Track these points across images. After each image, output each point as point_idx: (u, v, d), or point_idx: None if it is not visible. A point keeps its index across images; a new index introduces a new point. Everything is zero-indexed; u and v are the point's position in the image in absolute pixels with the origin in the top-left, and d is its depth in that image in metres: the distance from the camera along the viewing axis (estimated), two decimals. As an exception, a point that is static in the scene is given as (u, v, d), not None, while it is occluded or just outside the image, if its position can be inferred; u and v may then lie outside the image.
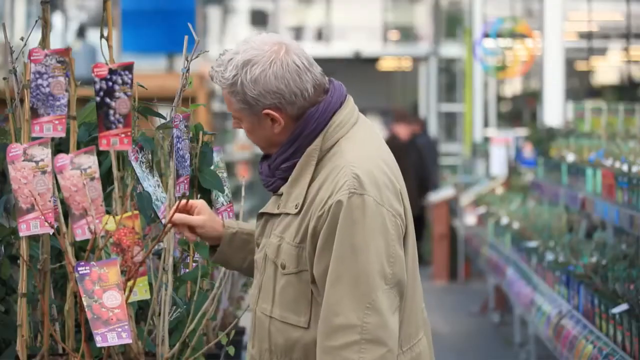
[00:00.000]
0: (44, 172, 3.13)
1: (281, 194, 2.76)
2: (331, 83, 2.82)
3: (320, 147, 2.72)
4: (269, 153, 2.81)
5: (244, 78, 2.70)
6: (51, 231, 3.14)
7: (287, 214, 2.72)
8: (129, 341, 2.85)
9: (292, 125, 2.74)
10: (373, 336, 2.56)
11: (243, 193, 3.73)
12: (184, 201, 2.88)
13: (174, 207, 2.89)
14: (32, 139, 3.17)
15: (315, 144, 2.72)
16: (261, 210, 2.83)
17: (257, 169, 2.90)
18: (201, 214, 2.90)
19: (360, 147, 2.72)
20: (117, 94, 3.16)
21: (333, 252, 2.61)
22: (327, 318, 2.60)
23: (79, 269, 2.85)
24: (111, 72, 3.16)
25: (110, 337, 2.81)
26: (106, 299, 2.84)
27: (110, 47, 3.22)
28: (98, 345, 2.82)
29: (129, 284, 2.96)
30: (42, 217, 3.10)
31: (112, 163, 3.22)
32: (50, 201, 3.13)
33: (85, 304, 2.82)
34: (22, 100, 3.18)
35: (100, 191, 3.20)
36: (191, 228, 2.89)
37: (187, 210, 2.90)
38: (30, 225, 3.13)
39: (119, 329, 2.81)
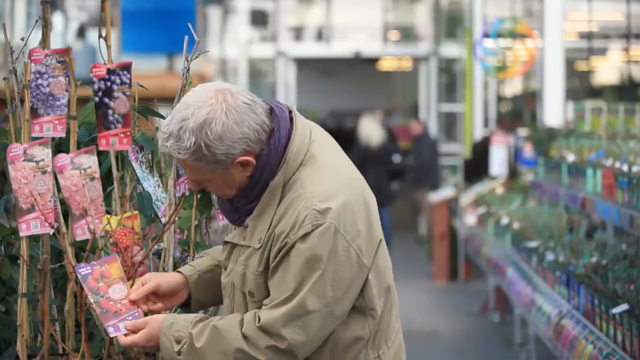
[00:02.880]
0: (44, 172, 3.13)
1: (247, 226, 2.78)
2: (272, 112, 2.76)
3: (283, 179, 2.73)
4: (230, 198, 2.79)
5: (207, 140, 2.65)
6: (51, 231, 3.14)
7: (250, 246, 2.76)
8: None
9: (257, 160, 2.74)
10: (291, 350, 2.69)
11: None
12: (135, 285, 2.89)
13: (127, 300, 2.88)
14: (32, 139, 3.17)
15: (277, 179, 2.72)
16: (227, 239, 2.86)
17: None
18: (151, 279, 2.91)
19: (322, 174, 2.73)
20: (115, 94, 3.16)
21: (284, 272, 2.68)
22: (265, 323, 2.68)
23: (80, 270, 2.86)
24: (110, 72, 3.16)
25: (122, 326, 2.81)
26: (112, 292, 2.84)
27: (108, 47, 3.22)
28: (111, 335, 2.82)
29: (129, 283, 2.96)
30: (42, 217, 3.10)
31: (111, 163, 3.21)
32: (50, 201, 3.13)
33: (92, 300, 2.82)
34: (22, 100, 3.18)
35: (100, 191, 3.20)
36: (154, 294, 2.90)
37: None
38: (30, 225, 3.13)
39: (130, 318, 2.82)
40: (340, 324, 2.73)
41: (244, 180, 2.74)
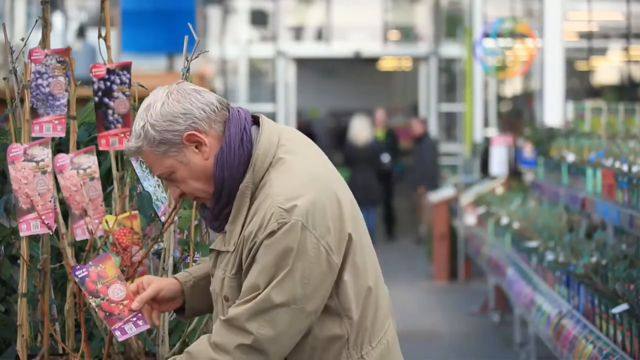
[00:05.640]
0: (44, 172, 3.13)
1: (226, 232, 2.80)
2: (229, 111, 2.79)
3: (252, 182, 2.74)
4: (209, 203, 2.80)
5: (150, 119, 2.71)
6: (52, 230, 3.14)
7: (228, 251, 2.77)
8: (147, 327, 2.84)
9: (218, 146, 2.74)
10: (260, 346, 2.67)
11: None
12: (133, 287, 2.88)
13: (129, 299, 2.87)
14: (32, 139, 3.17)
15: (246, 181, 2.73)
16: (211, 247, 2.87)
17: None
18: (151, 282, 2.91)
19: (289, 174, 2.73)
20: (115, 93, 3.16)
21: (253, 272, 2.68)
22: (229, 317, 2.68)
23: (77, 273, 2.85)
24: (109, 72, 3.16)
25: (128, 328, 2.81)
26: (112, 293, 2.84)
27: (108, 47, 3.22)
28: (119, 339, 2.82)
29: (127, 283, 2.96)
30: (43, 218, 3.10)
31: (111, 163, 3.21)
32: (50, 201, 3.13)
33: (93, 304, 2.82)
34: (22, 100, 3.18)
35: (100, 191, 3.20)
36: (154, 300, 2.90)
37: (138, 292, 2.90)
38: (30, 226, 3.13)
39: (134, 319, 2.83)
40: (317, 323, 2.73)
41: (207, 167, 2.74)
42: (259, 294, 2.65)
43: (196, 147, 2.72)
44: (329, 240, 2.70)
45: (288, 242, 2.65)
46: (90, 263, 2.89)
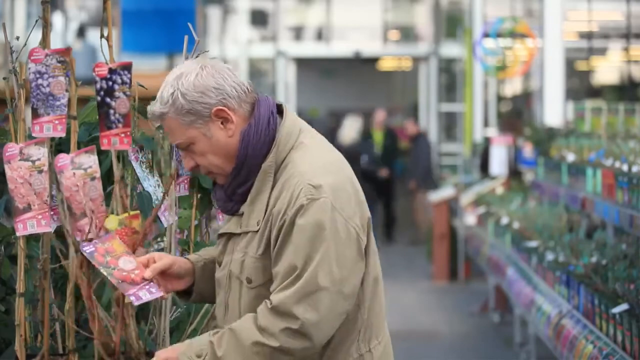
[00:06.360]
0: (40, 172, 3.13)
1: (242, 214, 2.79)
2: (257, 95, 2.84)
3: (275, 162, 2.76)
4: (222, 180, 2.81)
5: (182, 88, 2.73)
6: (49, 230, 3.14)
7: (248, 231, 2.76)
8: (161, 294, 2.83)
9: (243, 125, 2.77)
10: (306, 331, 2.66)
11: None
12: (143, 259, 2.87)
13: (140, 270, 2.86)
14: (33, 139, 3.16)
15: (269, 161, 2.76)
16: (222, 230, 2.86)
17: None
18: (162, 257, 2.91)
19: (311, 156, 2.77)
20: (116, 93, 3.16)
21: (288, 252, 2.67)
22: (276, 304, 2.66)
23: (85, 248, 2.84)
24: (111, 71, 3.16)
25: (142, 294, 2.79)
26: (122, 264, 2.82)
27: (110, 46, 3.22)
28: (135, 304, 2.80)
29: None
30: (39, 217, 3.10)
31: (112, 162, 3.21)
32: (46, 201, 3.13)
33: (105, 273, 2.79)
34: (26, 100, 3.18)
35: (100, 191, 3.20)
36: (163, 274, 2.88)
37: (148, 265, 2.89)
38: (27, 225, 3.12)
39: (147, 287, 2.80)
40: None
41: (229, 144, 2.76)
42: (300, 276, 2.65)
43: (222, 123, 2.76)
44: (356, 221, 2.73)
45: (319, 219, 2.66)
46: (96, 241, 2.88)
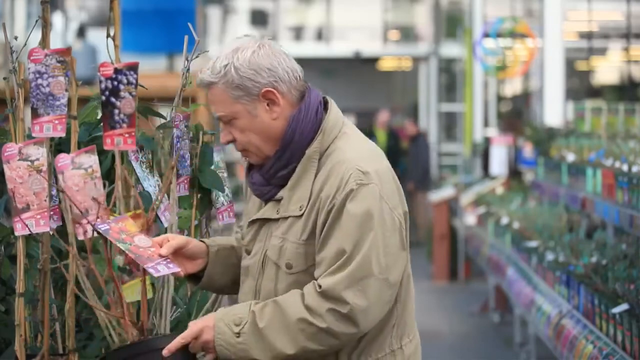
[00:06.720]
0: (39, 172, 3.12)
1: (279, 199, 2.78)
2: (307, 85, 2.87)
3: (319, 148, 2.77)
4: (260, 161, 2.82)
5: (236, 62, 2.75)
6: (48, 230, 3.14)
7: (288, 216, 2.75)
8: (178, 269, 2.80)
9: (288, 110, 2.78)
10: (354, 316, 2.65)
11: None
12: (158, 239, 2.86)
13: (155, 247, 2.83)
14: (32, 138, 3.16)
15: (314, 146, 2.77)
16: (256, 217, 2.85)
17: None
18: (176, 237, 2.89)
19: (356, 145, 2.80)
20: (122, 93, 3.15)
21: (336, 236, 2.67)
22: (326, 288, 2.65)
23: (99, 226, 2.82)
24: (116, 71, 3.15)
25: (160, 268, 2.76)
26: (138, 241, 2.81)
27: (116, 46, 3.21)
28: (155, 275, 2.78)
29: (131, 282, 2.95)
30: (38, 217, 3.10)
31: (115, 162, 3.21)
32: (45, 200, 3.13)
33: (122, 248, 2.78)
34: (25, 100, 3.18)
35: (101, 190, 3.20)
36: (177, 254, 2.86)
37: (162, 244, 2.86)
38: (26, 225, 3.12)
39: (164, 262, 2.78)
40: None
41: (271, 126, 2.77)
42: (349, 260, 2.65)
43: (268, 105, 2.77)
44: (399, 212, 2.75)
45: (369, 205, 2.67)
46: (109, 220, 2.87)
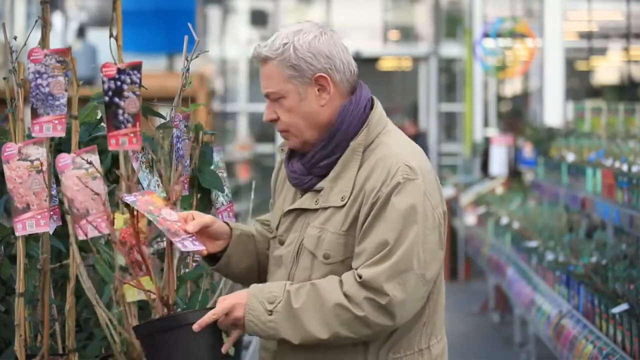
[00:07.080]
0: (38, 171, 3.12)
1: (318, 190, 2.79)
2: (359, 81, 2.90)
3: (364, 141, 2.79)
4: (298, 145, 2.83)
5: (297, 42, 2.77)
6: (48, 229, 3.14)
7: (329, 207, 2.76)
8: (202, 248, 2.80)
9: (337, 100, 2.80)
10: (391, 308, 2.66)
11: (252, 195, 3.74)
12: (183, 214, 2.84)
13: (181, 222, 2.81)
14: (32, 138, 3.16)
15: (359, 139, 2.79)
16: (293, 207, 2.85)
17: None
18: (202, 215, 2.87)
19: (401, 141, 2.83)
20: (125, 93, 3.14)
21: (380, 228, 2.68)
22: (367, 279, 2.65)
23: (127, 198, 2.82)
24: (120, 71, 3.15)
25: (187, 244, 2.76)
26: (165, 214, 2.81)
27: (119, 46, 3.20)
28: (183, 250, 2.77)
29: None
30: (38, 217, 3.10)
31: (119, 161, 3.20)
32: (45, 200, 3.13)
33: (151, 219, 2.77)
34: (25, 99, 3.17)
35: (102, 190, 3.19)
36: (201, 233, 2.84)
37: (187, 221, 2.84)
38: (25, 225, 3.12)
39: (189, 239, 2.78)
40: None
41: (318, 113, 2.78)
42: (391, 253, 2.66)
43: (318, 90, 2.78)
44: (439, 211, 2.77)
45: (414, 200, 2.69)
46: (136, 193, 2.87)
